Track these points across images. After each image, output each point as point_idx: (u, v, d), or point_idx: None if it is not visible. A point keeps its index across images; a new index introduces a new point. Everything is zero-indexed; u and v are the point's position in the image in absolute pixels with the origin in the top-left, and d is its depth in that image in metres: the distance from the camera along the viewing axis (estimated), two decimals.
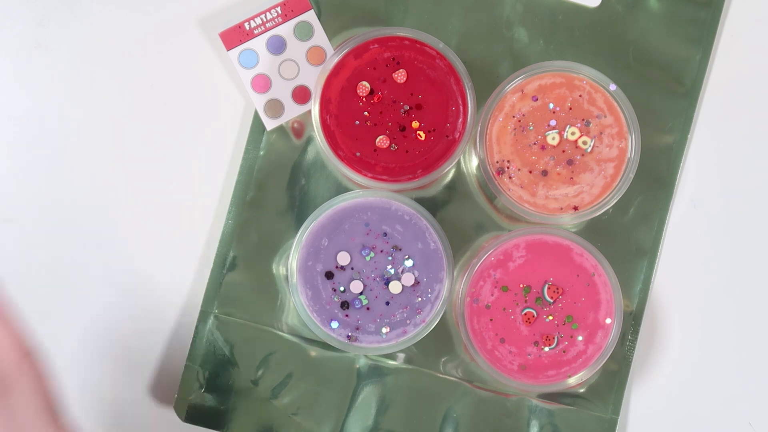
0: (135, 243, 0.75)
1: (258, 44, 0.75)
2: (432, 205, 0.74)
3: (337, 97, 0.72)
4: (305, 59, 0.75)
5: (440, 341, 0.74)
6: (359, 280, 0.72)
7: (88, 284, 0.75)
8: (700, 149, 0.76)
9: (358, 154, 0.72)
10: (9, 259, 0.75)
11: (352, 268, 0.72)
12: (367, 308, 0.72)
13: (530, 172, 0.72)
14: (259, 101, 0.75)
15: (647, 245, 0.75)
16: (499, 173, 0.72)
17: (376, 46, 0.72)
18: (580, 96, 0.72)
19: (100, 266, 0.75)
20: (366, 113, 0.72)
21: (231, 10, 0.76)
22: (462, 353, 0.75)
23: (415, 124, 0.72)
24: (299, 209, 0.75)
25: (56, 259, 0.76)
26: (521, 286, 0.72)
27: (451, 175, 0.75)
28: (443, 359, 0.75)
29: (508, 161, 0.72)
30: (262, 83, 0.75)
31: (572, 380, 0.72)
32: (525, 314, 0.72)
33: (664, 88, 0.75)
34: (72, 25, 0.76)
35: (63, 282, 0.76)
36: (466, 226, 0.75)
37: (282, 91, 0.75)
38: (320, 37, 0.75)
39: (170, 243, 0.75)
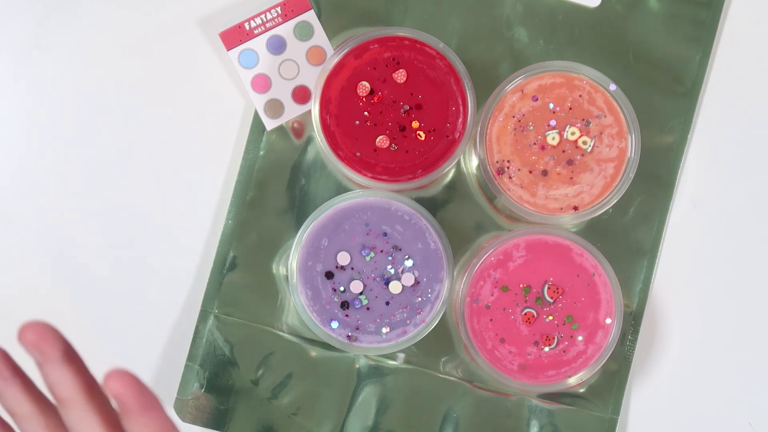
0: (135, 242, 0.75)
1: (258, 44, 0.75)
2: (432, 205, 0.74)
3: (337, 97, 0.72)
4: (305, 59, 0.75)
5: (440, 341, 0.74)
6: (359, 280, 0.72)
7: (87, 284, 0.75)
8: (700, 149, 0.76)
9: (358, 154, 0.72)
10: (9, 259, 0.75)
11: (352, 268, 0.72)
12: (367, 308, 0.72)
13: (530, 172, 0.72)
14: (259, 101, 0.75)
15: (647, 245, 0.75)
16: (499, 173, 0.72)
17: (376, 46, 0.72)
18: (580, 96, 0.72)
19: (99, 266, 0.75)
20: (366, 113, 0.72)
21: (231, 10, 0.76)
22: (462, 353, 0.75)
23: (415, 124, 0.72)
24: (299, 209, 0.75)
25: (56, 259, 0.76)
26: (521, 286, 0.72)
27: (451, 175, 0.75)
28: (443, 359, 0.75)
29: (508, 161, 0.72)
30: (262, 83, 0.75)
31: (572, 380, 0.72)
32: (525, 314, 0.72)
33: (664, 88, 0.75)
34: (72, 25, 0.76)
35: (63, 282, 0.76)
36: (466, 226, 0.75)
37: (282, 91, 0.75)
38: (320, 37, 0.75)
39: (170, 243, 0.75)
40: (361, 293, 0.72)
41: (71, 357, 0.51)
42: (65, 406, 0.51)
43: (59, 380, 0.51)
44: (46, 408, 0.53)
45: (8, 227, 0.76)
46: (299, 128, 0.75)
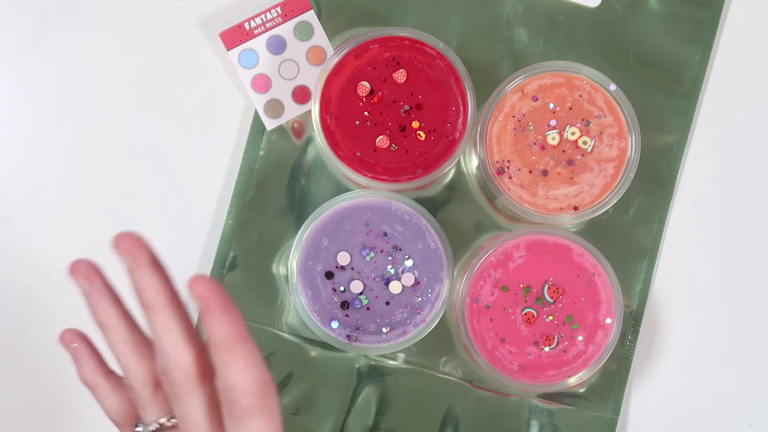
0: None
1: (258, 44, 0.75)
2: (432, 205, 0.74)
3: (337, 97, 0.72)
4: (305, 59, 0.75)
5: (440, 341, 0.74)
6: (359, 280, 0.72)
7: None
8: (700, 149, 0.76)
9: (358, 154, 0.72)
10: (9, 258, 0.75)
11: (352, 268, 0.72)
12: (367, 308, 0.72)
13: (530, 172, 0.72)
14: (259, 101, 0.75)
15: (647, 245, 0.75)
16: (499, 173, 0.72)
17: (376, 46, 0.72)
18: (580, 96, 0.72)
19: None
20: (366, 113, 0.72)
21: (231, 10, 0.76)
22: (462, 353, 0.75)
23: (415, 124, 0.72)
24: (299, 209, 0.75)
25: (56, 259, 0.75)
26: (521, 286, 0.72)
27: (451, 175, 0.75)
28: (443, 359, 0.75)
29: (508, 161, 0.72)
30: (262, 83, 0.75)
31: (572, 380, 0.72)
32: (525, 314, 0.72)
33: (664, 88, 0.75)
34: (72, 25, 0.76)
35: (63, 282, 0.76)
36: (466, 226, 0.75)
37: (282, 91, 0.75)
38: (320, 37, 0.75)
39: (170, 243, 0.75)
40: (361, 293, 0.72)
41: (158, 266, 0.56)
42: (151, 311, 0.56)
43: (147, 286, 0.55)
44: (131, 322, 0.58)
45: (8, 227, 0.76)
46: (299, 128, 0.75)
